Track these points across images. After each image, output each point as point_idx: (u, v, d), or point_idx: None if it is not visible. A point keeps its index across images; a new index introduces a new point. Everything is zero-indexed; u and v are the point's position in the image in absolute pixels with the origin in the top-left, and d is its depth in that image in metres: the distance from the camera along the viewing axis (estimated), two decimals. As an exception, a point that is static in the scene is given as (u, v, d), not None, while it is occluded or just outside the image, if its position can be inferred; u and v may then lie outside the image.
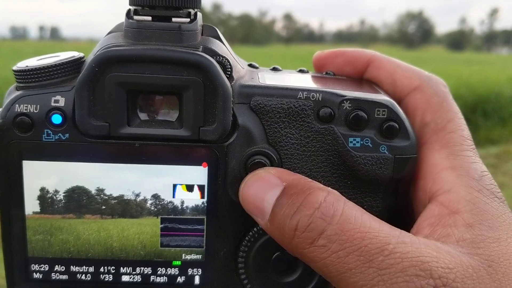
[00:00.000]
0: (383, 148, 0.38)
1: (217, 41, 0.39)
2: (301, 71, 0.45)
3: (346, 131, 0.38)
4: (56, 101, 0.36)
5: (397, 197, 0.40)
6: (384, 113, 0.38)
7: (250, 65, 0.43)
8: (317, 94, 0.38)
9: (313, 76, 0.44)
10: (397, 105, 0.38)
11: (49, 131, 0.36)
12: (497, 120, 5.63)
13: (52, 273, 0.39)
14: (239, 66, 0.40)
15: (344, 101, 0.38)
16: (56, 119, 0.36)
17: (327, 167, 0.39)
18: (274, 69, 0.44)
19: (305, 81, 0.41)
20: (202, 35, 0.39)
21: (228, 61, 0.37)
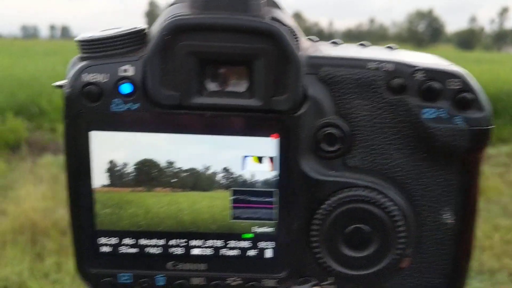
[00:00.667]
0: (458, 120, 0.37)
1: (281, 12, 0.38)
2: (361, 44, 0.44)
3: (420, 102, 0.37)
4: (126, 70, 0.36)
5: (470, 171, 0.39)
6: (457, 83, 0.37)
7: (309, 39, 0.43)
8: (388, 65, 0.37)
9: (377, 49, 0.43)
10: (470, 75, 0.38)
11: (118, 101, 0.36)
12: (508, 119, 5.59)
13: (121, 246, 0.39)
14: (302, 36, 0.39)
15: (417, 71, 0.37)
16: (126, 88, 0.36)
17: (400, 139, 0.38)
18: (334, 42, 0.44)
19: (371, 52, 0.41)
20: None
21: (295, 31, 0.37)
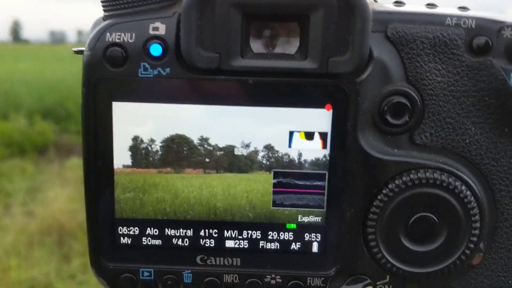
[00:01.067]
0: None
1: None
2: (429, 5, 0.38)
3: (507, 65, 0.31)
4: (155, 29, 0.30)
5: None
6: None
7: None
8: (470, 21, 0.31)
9: (448, 8, 0.37)
10: None
11: (147, 65, 0.31)
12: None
13: (143, 237, 0.33)
14: None
15: (505, 28, 0.31)
16: (156, 49, 0.30)
17: (480, 111, 0.32)
18: (397, 2, 0.37)
19: (445, 10, 0.34)
20: None
21: None
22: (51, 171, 3.56)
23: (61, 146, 4.24)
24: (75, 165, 3.67)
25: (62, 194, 2.96)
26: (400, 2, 0.37)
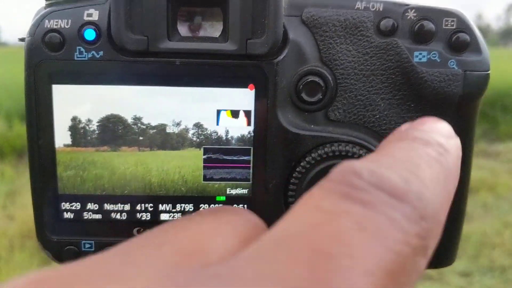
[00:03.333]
0: (452, 63, 0.34)
1: None
2: None
3: (411, 44, 0.34)
4: (89, 15, 0.33)
5: (464, 122, 0.36)
6: (453, 23, 0.34)
7: None
8: (378, 4, 0.34)
9: None
10: (466, 15, 0.34)
11: (82, 49, 0.33)
12: (517, 115, 5.52)
13: (85, 212, 0.36)
14: None
15: (409, 10, 0.34)
16: (90, 34, 0.33)
17: (388, 87, 0.35)
18: None
19: None
20: None
21: None
22: (30, 174, 3.53)
23: (40, 148, 4.20)
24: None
25: None
26: None
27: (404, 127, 0.24)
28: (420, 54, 0.34)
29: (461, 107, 0.35)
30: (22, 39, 0.36)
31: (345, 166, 0.20)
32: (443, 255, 0.38)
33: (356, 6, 0.34)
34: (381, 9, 0.34)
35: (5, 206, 2.89)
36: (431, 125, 0.24)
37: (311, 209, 0.19)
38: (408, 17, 0.34)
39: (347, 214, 0.18)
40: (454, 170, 0.23)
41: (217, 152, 0.35)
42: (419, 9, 0.34)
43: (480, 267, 2.33)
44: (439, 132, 0.23)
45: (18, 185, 3.27)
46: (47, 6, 0.34)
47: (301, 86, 0.34)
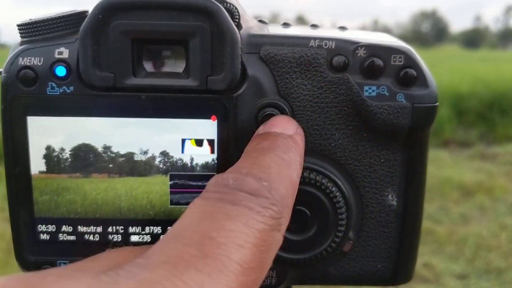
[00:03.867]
0: (400, 97, 0.36)
1: None
2: (313, 26, 0.43)
3: (361, 80, 0.36)
4: (60, 53, 0.35)
5: (415, 150, 0.38)
6: (400, 59, 0.36)
7: (260, 21, 0.42)
8: (330, 42, 0.36)
9: (326, 29, 0.42)
10: (414, 52, 0.37)
11: (54, 84, 0.35)
12: (515, 117, 5.53)
13: (60, 234, 0.38)
14: (247, 16, 0.38)
15: (359, 48, 0.36)
16: (60, 71, 0.35)
17: (342, 119, 0.37)
18: (285, 24, 0.43)
19: (318, 32, 0.40)
20: None
21: (236, 9, 0.36)
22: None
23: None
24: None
25: None
26: (287, 24, 0.43)
27: (260, 129, 0.35)
28: (370, 88, 0.36)
29: (411, 137, 0.37)
30: None
31: (216, 178, 0.29)
32: (400, 271, 0.41)
33: (310, 44, 0.36)
34: (333, 46, 0.36)
35: (4, 209, 2.90)
36: (279, 125, 0.34)
37: (196, 211, 0.27)
38: (359, 54, 0.36)
39: (220, 211, 0.26)
40: (297, 161, 0.32)
41: (182, 178, 0.37)
42: (368, 47, 0.36)
43: (476, 269, 2.35)
44: (286, 129, 0.34)
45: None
46: (22, 43, 0.36)
47: (261, 118, 0.36)
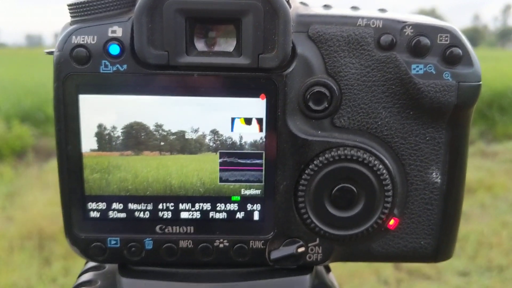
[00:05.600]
0: (446, 75, 0.37)
1: None
2: (353, 7, 0.44)
3: (409, 58, 0.37)
4: (114, 32, 0.36)
5: (458, 129, 0.39)
6: (447, 38, 0.37)
7: (301, 3, 0.43)
8: (378, 21, 0.37)
9: (368, 10, 0.43)
10: (459, 31, 0.37)
11: (107, 62, 0.36)
12: (515, 115, 5.53)
13: (110, 211, 0.39)
14: None
15: (406, 27, 0.37)
16: (114, 49, 0.36)
17: (389, 97, 0.38)
18: (326, 6, 0.43)
19: (361, 12, 0.40)
20: None
21: None
22: (30, 175, 3.52)
23: (40, 149, 4.19)
24: (54, 169, 3.63)
25: (41, 198, 2.92)
26: (328, 6, 0.44)
27: None
28: (417, 67, 0.37)
29: (455, 115, 0.38)
30: (49, 53, 0.39)
31: None
32: (442, 249, 0.41)
33: (358, 23, 0.37)
34: (380, 26, 0.37)
35: (4, 207, 2.89)
36: None
37: None
38: (406, 33, 0.37)
39: None
40: None
41: (232, 156, 0.38)
42: (415, 26, 0.37)
43: (478, 266, 2.35)
44: None
45: (17, 186, 3.27)
46: (73, 23, 0.37)
47: (309, 96, 0.37)
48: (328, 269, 0.46)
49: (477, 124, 5.22)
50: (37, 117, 4.86)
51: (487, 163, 3.92)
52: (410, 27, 0.37)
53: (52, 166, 3.66)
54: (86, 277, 0.42)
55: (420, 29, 0.37)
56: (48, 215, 2.65)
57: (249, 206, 0.39)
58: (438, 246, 0.41)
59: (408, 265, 2.27)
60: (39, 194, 2.98)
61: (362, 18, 0.37)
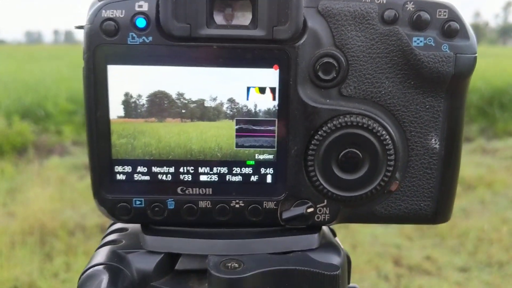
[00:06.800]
0: (445, 47, 0.40)
1: None
2: None
3: (410, 31, 0.40)
4: (140, 6, 0.39)
5: (456, 98, 0.42)
6: (445, 13, 0.40)
7: None
8: None
9: None
10: (456, 7, 0.41)
11: (134, 34, 0.39)
12: (515, 112, 5.55)
13: (135, 174, 0.42)
14: None
15: (408, 3, 0.40)
16: (140, 22, 0.39)
17: (392, 68, 0.41)
18: None
19: None
20: None
21: None
22: (30, 171, 3.52)
23: (41, 146, 4.20)
24: (55, 165, 3.63)
25: (42, 194, 2.92)
26: None
27: None
28: (418, 39, 0.40)
29: (453, 85, 0.41)
30: (79, 27, 0.42)
31: None
32: (440, 211, 0.45)
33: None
34: (384, 1, 0.40)
35: (6, 204, 2.90)
36: None
37: None
38: (408, 8, 0.40)
39: None
40: None
41: (247, 123, 0.41)
42: (416, 2, 0.40)
43: (478, 262, 2.36)
44: None
45: (18, 182, 3.28)
46: None
47: (318, 66, 0.40)
48: (334, 234, 0.49)
49: (478, 121, 5.23)
50: (37, 113, 4.87)
51: (488, 160, 3.94)
52: (412, 2, 0.40)
53: (53, 163, 3.68)
54: (110, 237, 0.46)
55: (421, 4, 0.40)
56: (49, 211, 2.67)
57: (262, 170, 0.42)
58: (437, 208, 0.44)
59: (408, 261, 2.30)
60: (40, 190, 3.00)
61: None
